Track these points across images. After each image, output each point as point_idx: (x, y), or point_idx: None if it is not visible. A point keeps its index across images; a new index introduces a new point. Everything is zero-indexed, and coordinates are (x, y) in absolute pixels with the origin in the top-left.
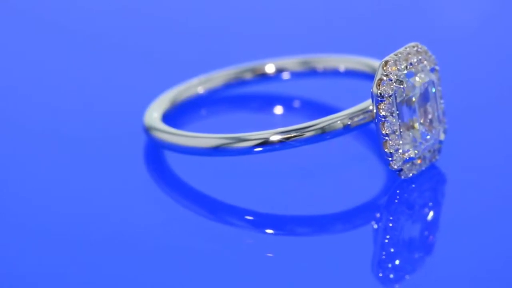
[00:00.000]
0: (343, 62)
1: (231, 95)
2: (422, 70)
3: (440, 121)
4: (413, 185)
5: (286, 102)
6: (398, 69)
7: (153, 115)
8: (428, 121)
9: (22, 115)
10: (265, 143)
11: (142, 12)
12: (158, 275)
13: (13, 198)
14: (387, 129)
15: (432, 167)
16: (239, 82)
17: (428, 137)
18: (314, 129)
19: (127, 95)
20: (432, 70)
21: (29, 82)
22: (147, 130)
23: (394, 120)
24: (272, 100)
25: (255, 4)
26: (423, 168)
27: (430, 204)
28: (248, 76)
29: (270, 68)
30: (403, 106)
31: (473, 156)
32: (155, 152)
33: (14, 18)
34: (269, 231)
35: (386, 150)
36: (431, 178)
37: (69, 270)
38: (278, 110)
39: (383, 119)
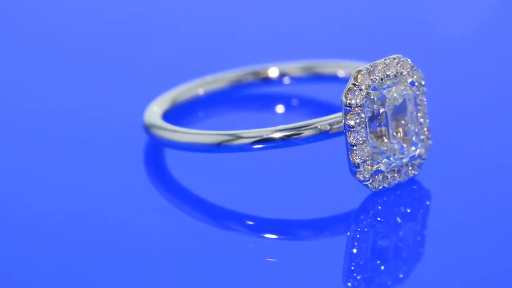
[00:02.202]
0: (345, 68)
1: (232, 96)
2: (400, 83)
3: (419, 136)
4: (385, 198)
5: (287, 104)
6: (372, 80)
7: (153, 113)
8: (403, 135)
9: (19, 115)
10: (263, 140)
11: (149, 15)
12: (158, 280)
13: (11, 198)
14: (353, 139)
15: (413, 181)
16: (241, 84)
17: (403, 150)
18: (312, 127)
19: (129, 98)
20: (412, 84)
21: (31, 84)
22: (147, 128)
23: (362, 131)
24: (273, 101)
25: (259, 8)
26: (398, 182)
27: (407, 217)
28: (251, 79)
29: (273, 72)
30: (375, 117)
31: (457, 172)
32: (155, 153)
33: (14, 22)
34: (262, 235)
35: (352, 160)
36: (411, 192)
37: (66, 272)
38: (279, 111)
39: (350, 129)
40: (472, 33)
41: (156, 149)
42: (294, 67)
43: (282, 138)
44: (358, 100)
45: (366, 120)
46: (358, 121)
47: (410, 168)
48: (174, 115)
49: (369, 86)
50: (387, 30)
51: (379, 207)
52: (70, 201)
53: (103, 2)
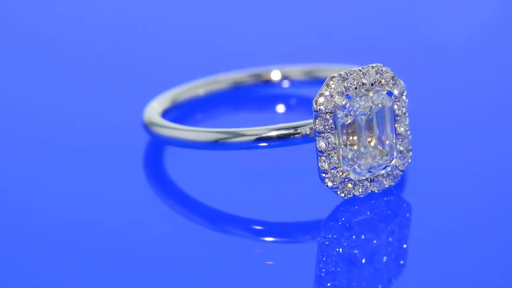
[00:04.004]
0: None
1: (232, 97)
2: (377, 93)
3: (395, 147)
4: (356, 207)
5: (287, 105)
6: (346, 87)
7: (153, 111)
8: (377, 144)
9: (17, 114)
10: (261, 138)
11: (155, 16)
12: (153, 281)
13: (9, 197)
14: (322, 145)
15: (389, 192)
16: (242, 86)
17: (376, 160)
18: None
19: (131, 97)
20: (390, 94)
21: (30, 83)
22: (146, 125)
23: (332, 138)
24: (273, 103)
25: (263, 11)
26: (371, 191)
27: (379, 227)
28: (252, 81)
29: (274, 75)
30: (347, 125)
31: (437, 185)
32: (154, 152)
33: (12, 23)
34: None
35: (320, 166)
36: (385, 202)
37: (62, 272)
38: (279, 112)
39: (319, 134)
40: (466, 43)
41: (155, 147)
42: (295, 71)
43: (278, 137)
44: (328, 106)
45: (338, 127)
46: (327, 127)
47: (385, 178)
48: (173, 114)
49: (342, 93)
50: (390, 35)
51: (348, 215)
52: (68, 200)
53: (106, 1)
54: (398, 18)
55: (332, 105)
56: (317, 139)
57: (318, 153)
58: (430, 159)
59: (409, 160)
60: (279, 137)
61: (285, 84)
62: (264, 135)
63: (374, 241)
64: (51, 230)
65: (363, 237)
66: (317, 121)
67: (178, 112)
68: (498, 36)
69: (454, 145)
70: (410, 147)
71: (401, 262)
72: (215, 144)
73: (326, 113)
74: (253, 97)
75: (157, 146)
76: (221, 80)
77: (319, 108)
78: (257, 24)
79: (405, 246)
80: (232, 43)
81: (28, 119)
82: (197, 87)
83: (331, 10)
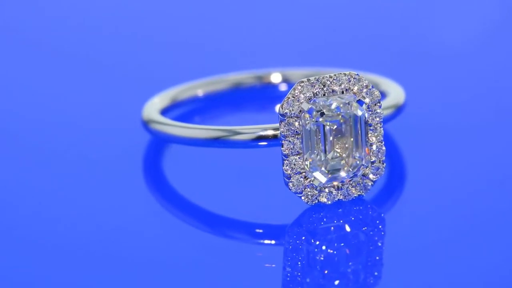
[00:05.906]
0: None
1: (232, 98)
2: (348, 100)
3: (364, 157)
4: (321, 214)
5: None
6: (315, 93)
7: (152, 108)
8: (345, 152)
9: (15, 114)
10: (259, 137)
11: (160, 18)
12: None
13: (8, 196)
14: (286, 149)
15: (360, 201)
16: (241, 88)
17: (342, 168)
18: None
19: (132, 98)
20: (361, 102)
21: (29, 83)
22: (145, 122)
23: (297, 142)
24: (273, 104)
25: (266, 13)
26: (338, 199)
27: (344, 234)
28: (252, 82)
29: (274, 77)
30: (315, 131)
31: (412, 198)
32: (153, 154)
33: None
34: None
35: (284, 170)
36: (353, 211)
37: (61, 275)
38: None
39: (283, 138)
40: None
41: (154, 145)
42: (296, 74)
43: (277, 136)
44: (293, 110)
45: (305, 132)
46: (292, 131)
47: (354, 187)
48: (173, 113)
49: (310, 99)
50: (390, 38)
51: (312, 221)
52: (65, 199)
53: (107, 0)
54: (399, 21)
55: (298, 110)
56: (282, 142)
57: (283, 157)
58: (405, 169)
59: (382, 172)
60: (278, 136)
61: (284, 87)
62: (263, 133)
63: (334, 251)
64: (50, 229)
65: (330, 244)
66: (282, 124)
67: (178, 111)
68: (497, 39)
69: (429, 155)
70: (383, 158)
71: (376, 273)
72: (214, 142)
73: (291, 117)
74: (254, 98)
75: (157, 143)
76: (222, 81)
77: (284, 112)
78: (260, 27)
79: (377, 258)
80: (235, 44)
81: (26, 117)
82: (198, 87)
83: (334, 14)
